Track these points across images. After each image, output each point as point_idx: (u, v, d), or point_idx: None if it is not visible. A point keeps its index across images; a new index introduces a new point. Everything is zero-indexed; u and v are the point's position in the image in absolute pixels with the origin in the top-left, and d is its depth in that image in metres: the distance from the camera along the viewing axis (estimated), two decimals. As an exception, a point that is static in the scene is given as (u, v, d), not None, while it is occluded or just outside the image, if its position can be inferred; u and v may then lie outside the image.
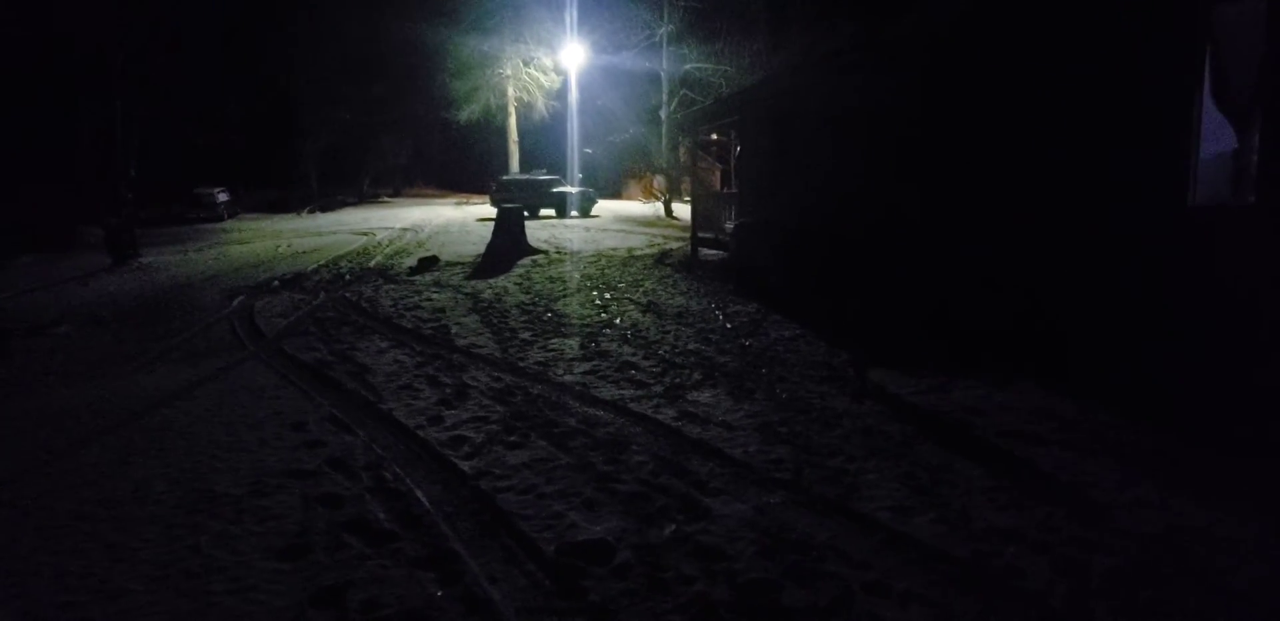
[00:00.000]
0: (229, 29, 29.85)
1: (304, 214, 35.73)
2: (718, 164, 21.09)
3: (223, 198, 34.42)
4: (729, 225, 13.33)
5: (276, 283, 13.98)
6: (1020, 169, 7.14)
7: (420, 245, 18.98)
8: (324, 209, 37.39)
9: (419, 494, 4.43)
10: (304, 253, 18.98)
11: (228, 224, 31.91)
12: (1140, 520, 3.80)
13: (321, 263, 16.56)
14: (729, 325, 8.53)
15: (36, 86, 21.08)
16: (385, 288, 12.52)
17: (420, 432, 5.53)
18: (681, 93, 27.09)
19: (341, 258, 17.43)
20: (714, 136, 19.61)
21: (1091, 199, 6.36)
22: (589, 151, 38.46)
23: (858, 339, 6.97)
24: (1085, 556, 3.47)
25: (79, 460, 5.41)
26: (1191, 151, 5.75)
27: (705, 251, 14.55)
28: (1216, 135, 5.80)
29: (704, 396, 6.13)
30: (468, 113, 37.76)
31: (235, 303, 12.23)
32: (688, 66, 26.87)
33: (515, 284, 12.18)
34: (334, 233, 24.24)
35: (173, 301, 13.04)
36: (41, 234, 23.17)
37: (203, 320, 11.07)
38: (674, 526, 3.90)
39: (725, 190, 17.13)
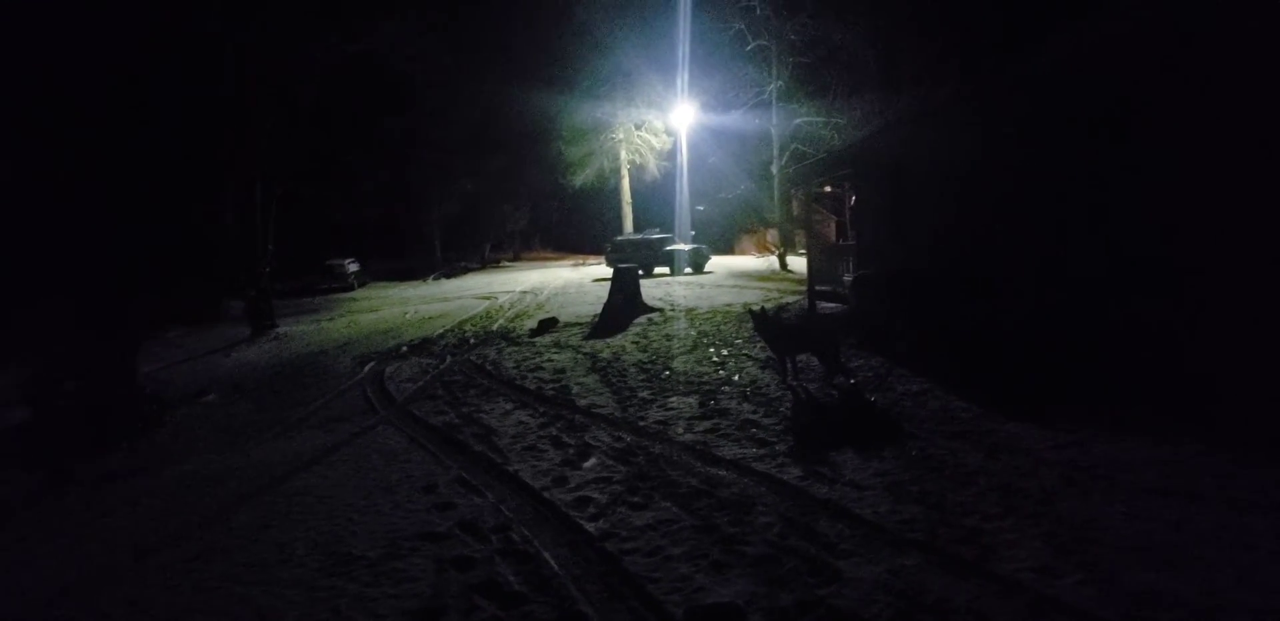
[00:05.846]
0: (357, 109, 31.90)
1: (429, 280, 37.30)
2: (832, 216, 20.95)
3: (352, 267, 36.33)
4: (847, 277, 13.11)
5: (405, 348, 14.54)
6: (1145, 211, 6.84)
7: (540, 307, 19.44)
8: (448, 275, 38.96)
9: (547, 556, 4.48)
10: (430, 318, 19.73)
11: (358, 293, 33.59)
12: (1320, 585, 3.47)
13: (447, 327, 17.16)
14: (852, 380, 8.35)
15: (184, 172, 23.05)
16: (508, 350, 12.85)
17: (546, 494, 5.61)
18: (792, 147, 27.11)
19: (465, 322, 18.02)
20: (827, 188, 19.53)
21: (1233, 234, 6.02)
22: (700, 209, 38.93)
23: (984, 391, 6.70)
24: (1259, 625, 3.20)
25: (228, 524, 5.73)
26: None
27: (823, 304, 14.35)
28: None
29: (830, 454, 6.00)
30: (582, 177, 39.02)
31: (366, 369, 12.78)
32: (798, 121, 26.94)
33: (632, 342, 12.29)
34: (458, 297, 25.14)
35: (308, 369, 13.73)
36: (188, 307, 25.18)
37: (336, 387, 11.61)
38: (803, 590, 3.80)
39: (842, 242, 16.94)
